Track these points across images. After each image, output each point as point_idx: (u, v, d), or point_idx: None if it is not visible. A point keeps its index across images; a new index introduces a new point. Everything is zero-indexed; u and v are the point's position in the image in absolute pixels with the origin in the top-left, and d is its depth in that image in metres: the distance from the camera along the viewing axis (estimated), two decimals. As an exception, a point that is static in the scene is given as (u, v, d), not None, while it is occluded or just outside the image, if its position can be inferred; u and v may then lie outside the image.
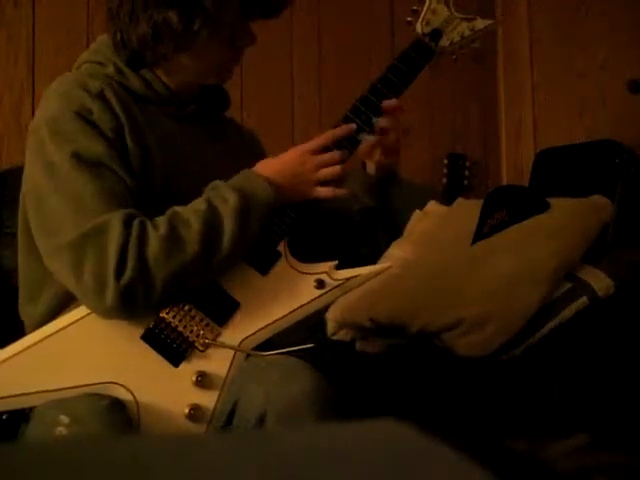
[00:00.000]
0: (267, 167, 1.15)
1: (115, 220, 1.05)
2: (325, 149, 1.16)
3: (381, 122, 1.18)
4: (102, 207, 1.07)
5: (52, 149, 1.10)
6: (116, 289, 1.03)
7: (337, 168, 1.15)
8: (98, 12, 2.17)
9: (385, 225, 1.36)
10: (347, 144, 1.18)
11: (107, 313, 1.07)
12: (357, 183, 1.29)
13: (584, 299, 1.63)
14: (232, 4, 1.13)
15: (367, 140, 1.19)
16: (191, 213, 1.08)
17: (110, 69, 1.19)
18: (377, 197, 1.30)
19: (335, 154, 1.16)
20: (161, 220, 1.08)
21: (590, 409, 1.48)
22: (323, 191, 1.15)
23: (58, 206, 1.08)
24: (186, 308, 1.12)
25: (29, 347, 1.08)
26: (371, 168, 1.28)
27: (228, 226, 1.08)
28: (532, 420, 1.46)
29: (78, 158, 1.09)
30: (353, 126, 1.18)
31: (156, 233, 1.06)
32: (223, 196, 1.10)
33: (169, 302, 1.10)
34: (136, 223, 1.06)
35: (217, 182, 1.13)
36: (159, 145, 1.18)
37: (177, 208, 1.10)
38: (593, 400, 1.51)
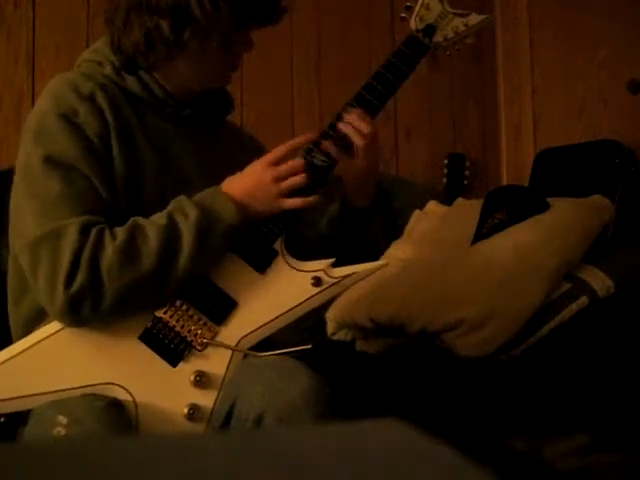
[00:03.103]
0: (232, 184, 1.13)
1: (73, 226, 1.04)
2: (286, 158, 1.14)
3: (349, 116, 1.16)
4: (66, 212, 1.06)
5: (31, 149, 1.11)
6: (65, 296, 1.02)
7: (299, 177, 1.13)
8: (98, 12, 2.16)
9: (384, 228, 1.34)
10: (337, 148, 1.17)
11: (57, 317, 1.07)
12: (335, 211, 1.27)
13: (584, 299, 1.63)
14: (224, 15, 1.13)
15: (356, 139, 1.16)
16: (151, 226, 1.07)
17: (108, 69, 1.19)
18: (358, 228, 1.28)
19: (295, 163, 1.14)
20: (120, 230, 1.07)
21: (590, 409, 1.48)
22: (289, 202, 1.13)
23: (25, 206, 1.09)
24: (184, 308, 1.11)
25: (28, 349, 1.08)
26: (349, 186, 1.24)
27: (186, 244, 1.07)
28: (532, 420, 1.46)
29: (50, 160, 1.08)
30: (313, 134, 1.16)
31: (113, 243, 1.05)
32: (185, 212, 1.08)
33: (120, 313, 1.08)
34: (94, 231, 1.05)
35: (182, 197, 1.12)
36: (152, 148, 1.17)
37: (139, 219, 1.09)
38: (593, 400, 1.51)
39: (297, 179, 1.13)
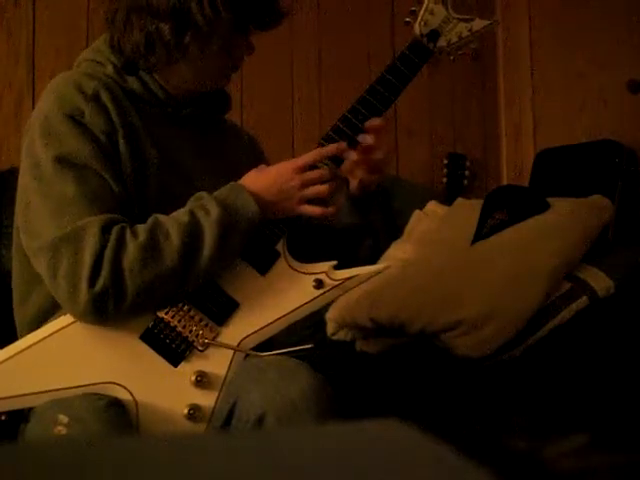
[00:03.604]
0: (254, 181, 1.13)
1: (94, 225, 1.04)
2: (313, 166, 1.14)
3: (367, 139, 1.17)
4: (83, 211, 1.06)
5: (40, 150, 1.10)
6: (88, 295, 1.03)
7: (324, 187, 1.13)
8: (98, 13, 2.16)
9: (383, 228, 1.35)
10: (333, 159, 1.17)
11: (79, 317, 1.07)
12: (339, 201, 1.27)
13: (584, 299, 1.63)
14: (224, 20, 1.13)
15: (352, 155, 1.17)
16: (172, 223, 1.07)
17: (109, 69, 1.19)
18: (359, 215, 1.28)
19: (323, 172, 1.14)
20: (141, 228, 1.07)
21: (590, 409, 1.48)
22: (309, 209, 1.14)
23: (40, 207, 1.09)
24: (185, 308, 1.12)
25: (28, 347, 1.08)
26: (353, 185, 1.25)
27: (208, 241, 1.07)
28: (532, 420, 1.46)
29: (62, 160, 1.08)
30: (343, 144, 1.16)
31: (135, 241, 1.05)
32: (207, 209, 1.09)
33: (143, 310, 1.09)
34: (115, 229, 1.05)
35: (202, 193, 1.12)
36: (155, 147, 1.17)
37: (159, 216, 1.09)
38: (593, 400, 1.51)
39: (322, 188, 1.14)
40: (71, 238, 1.04)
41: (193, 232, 1.07)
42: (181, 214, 1.09)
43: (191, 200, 1.12)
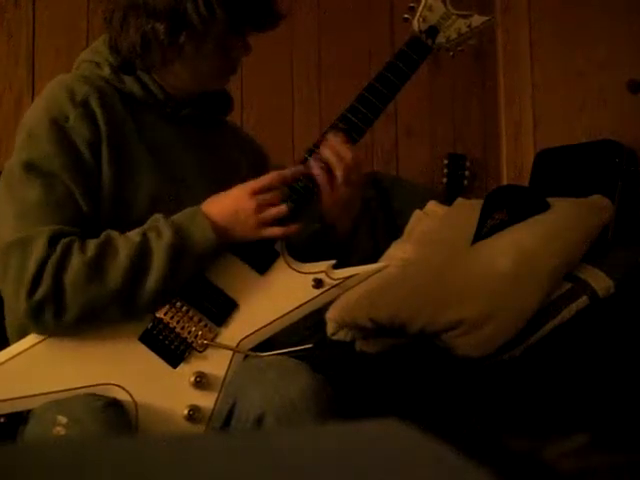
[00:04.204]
0: (213, 206, 1.11)
1: (42, 236, 1.04)
2: (270, 189, 1.12)
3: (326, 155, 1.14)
4: (42, 219, 1.06)
5: (16, 151, 1.11)
6: (26, 304, 1.03)
7: (282, 207, 1.11)
8: (98, 13, 2.16)
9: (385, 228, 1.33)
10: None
11: (23, 322, 1.07)
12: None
13: (584, 299, 1.63)
14: (219, 21, 1.13)
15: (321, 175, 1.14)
16: (124, 242, 1.06)
17: (106, 70, 1.19)
18: (334, 252, 1.23)
19: (275, 193, 1.12)
20: (92, 244, 1.06)
21: (590, 409, 1.48)
22: (269, 232, 1.12)
23: (4, 209, 1.09)
24: (184, 309, 1.11)
25: (27, 349, 1.08)
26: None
27: (157, 264, 1.05)
28: (532, 420, 1.46)
29: (31, 166, 1.08)
30: (301, 168, 1.15)
31: (80, 257, 1.04)
32: (159, 231, 1.07)
33: (87, 325, 1.08)
34: (63, 242, 1.05)
35: (159, 215, 1.10)
36: (148, 149, 1.17)
37: (112, 234, 1.08)
38: (593, 400, 1.51)
39: (277, 210, 1.11)
40: (19, 245, 1.04)
41: (142, 253, 1.06)
42: (134, 234, 1.08)
43: (147, 222, 1.10)
